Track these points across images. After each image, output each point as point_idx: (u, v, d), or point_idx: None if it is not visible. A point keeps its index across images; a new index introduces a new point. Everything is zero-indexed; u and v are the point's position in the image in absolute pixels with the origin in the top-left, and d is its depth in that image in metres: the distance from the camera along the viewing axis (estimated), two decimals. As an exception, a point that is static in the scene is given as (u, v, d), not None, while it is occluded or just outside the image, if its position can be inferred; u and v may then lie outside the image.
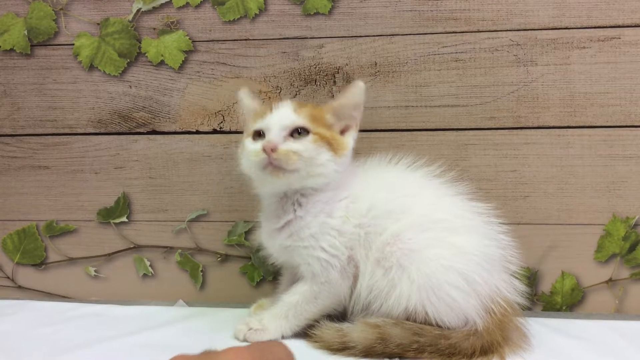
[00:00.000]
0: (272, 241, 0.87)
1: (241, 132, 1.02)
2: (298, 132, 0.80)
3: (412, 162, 0.89)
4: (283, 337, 0.87)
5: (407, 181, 0.87)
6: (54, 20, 1.03)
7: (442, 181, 0.87)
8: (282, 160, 0.79)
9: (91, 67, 1.04)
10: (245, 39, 1.01)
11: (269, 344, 0.54)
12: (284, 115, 0.81)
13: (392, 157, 0.89)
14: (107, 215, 1.08)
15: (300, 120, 0.81)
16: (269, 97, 1.01)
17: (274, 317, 0.86)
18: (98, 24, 1.02)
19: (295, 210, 0.84)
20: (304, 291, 0.85)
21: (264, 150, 0.79)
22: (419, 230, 0.82)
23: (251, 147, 0.82)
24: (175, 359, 0.53)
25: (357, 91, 0.84)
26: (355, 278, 0.85)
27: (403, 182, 0.87)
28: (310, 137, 0.80)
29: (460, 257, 0.81)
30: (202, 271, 1.08)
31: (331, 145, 0.81)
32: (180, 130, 1.04)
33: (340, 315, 0.88)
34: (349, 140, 0.85)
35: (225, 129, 1.03)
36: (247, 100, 0.89)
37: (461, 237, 0.82)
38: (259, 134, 0.83)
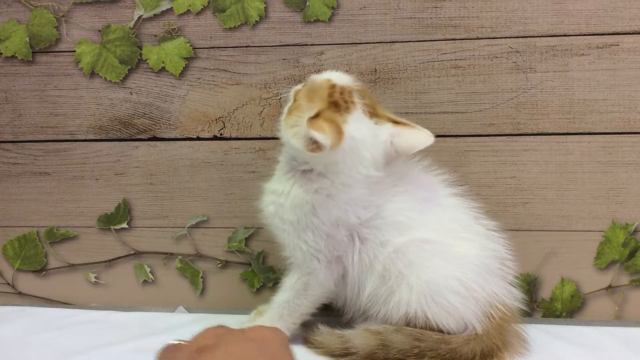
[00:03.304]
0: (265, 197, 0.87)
1: (241, 139, 1.02)
2: None
3: (424, 164, 0.88)
4: None
5: (419, 189, 0.85)
6: (55, 27, 1.03)
7: (449, 188, 0.87)
8: None
9: (92, 74, 1.04)
10: (246, 46, 1.01)
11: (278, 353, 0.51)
12: None
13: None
14: (107, 222, 1.08)
15: None
16: (270, 104, 1.02)
17: (269, 322, 0.86)
18: (99, 31, 1.03)
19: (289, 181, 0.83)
20: (293, 284, 0.86)
21: None
22: (421, 244, 0.82)
23: None
24: (165, 349, 0.52)
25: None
26: (344, 278, 0.85)
27: (416, 190, 0.85)
28: None
29: (459, 266, 0.81)
30: (202, 277, 1.08)
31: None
32: (180, 137, 1.05)
33: (340, 321, 0.88)
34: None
35: (226, 136, 1.04)
36: None
37: (461, 248, 0.83)
38: None
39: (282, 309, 0.86)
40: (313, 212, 0.81)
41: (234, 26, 1.00)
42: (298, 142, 0.78)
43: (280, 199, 0.83)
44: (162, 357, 0.52)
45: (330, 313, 0.91)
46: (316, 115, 0.77)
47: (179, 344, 0.53)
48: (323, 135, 0.75)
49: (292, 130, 0.79)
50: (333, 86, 0.80)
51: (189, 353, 0.49)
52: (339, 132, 0.76)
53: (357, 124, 0.79)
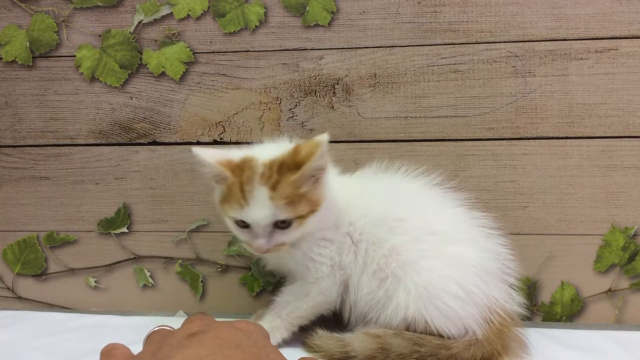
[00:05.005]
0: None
1: (241, 143, 1.02)
2: (282, 222, 0.79)
3: (410, 170, 0.89)
4: (284, 342, 0.87)
5: (404, 189, 0.88)
6: (55, 32, 1.04)
7: (441, 190, 0.88)
8: (274, 252, 0.81)
9: (92, 79, 1.05)
10: (246, 51, 1.01)
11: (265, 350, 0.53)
12: (264, 212, 0.77)
13: (390, 165, 0.90)
14: (107, 226, 1.08)
15: (280, 214, 0.78)
16: (270, 109, 1.02)
17: (269, 322, 0.87)
18: (99, 35, 1.03)
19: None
20: (295, 290, 0.87)
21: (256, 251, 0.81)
22: (415, 241, 0.83)
23: (241, 237, 0.82)
24: (156, 332, 0.54)
25: (319, 152, 0.78)
26: (345, 284, 0.86)
27: (400, 190, 0.88)
28: (294, 225, 0.79)
29: (457, 268, 0.81)
30: (202, 281, 1.08)
31: (311, 211, 0.80)
32: (180, 141, 1.05)
33: (339, 325, 0.88)
34: (321, 189, 0.81)
35: (226, 140, 1.04)
36: (208, 162, 0.81)
37: (458, 249, 0.83)
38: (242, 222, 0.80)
39: (281, 309, 0.87)
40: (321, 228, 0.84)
41: (234, 31, 1.01)
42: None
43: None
44: (153, 342, 0.52)
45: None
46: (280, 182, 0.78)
47: (169, 329, 0.55)
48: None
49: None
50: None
51: (179, 338, 0.51)
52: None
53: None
